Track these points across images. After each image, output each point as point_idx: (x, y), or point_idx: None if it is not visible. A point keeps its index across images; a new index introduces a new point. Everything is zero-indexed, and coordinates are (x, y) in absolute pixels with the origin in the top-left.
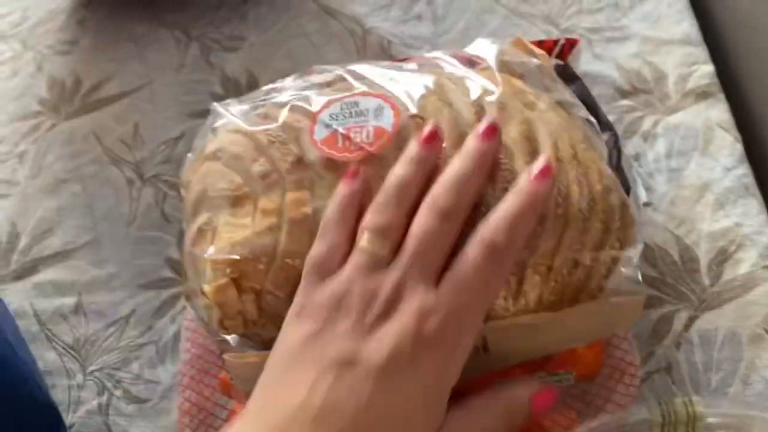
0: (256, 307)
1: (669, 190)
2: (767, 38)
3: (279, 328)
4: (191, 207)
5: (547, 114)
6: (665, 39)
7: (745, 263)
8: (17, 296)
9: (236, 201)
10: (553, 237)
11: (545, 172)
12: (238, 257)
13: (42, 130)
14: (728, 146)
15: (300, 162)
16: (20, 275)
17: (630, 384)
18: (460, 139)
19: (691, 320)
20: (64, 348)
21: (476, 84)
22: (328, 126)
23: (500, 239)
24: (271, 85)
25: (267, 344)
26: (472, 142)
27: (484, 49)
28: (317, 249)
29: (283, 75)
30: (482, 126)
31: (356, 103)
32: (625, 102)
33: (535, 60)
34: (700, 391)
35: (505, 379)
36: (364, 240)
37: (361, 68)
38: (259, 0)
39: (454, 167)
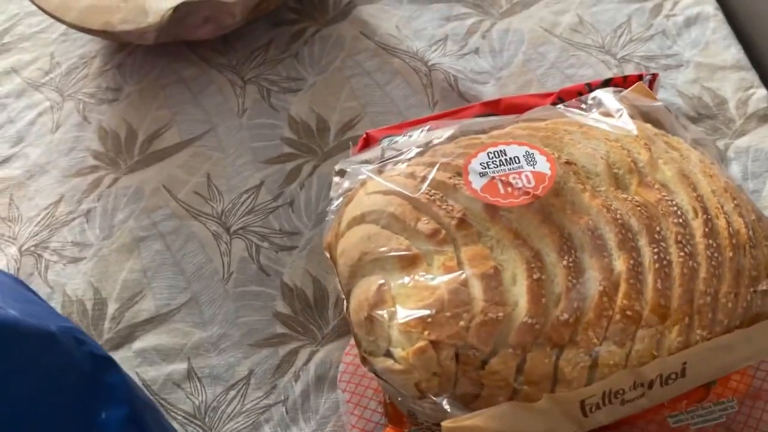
0: (454, 365)
1: None
2: None
3: (475, 384)
4: (348, 270)
5: (690, 152)
6: (718, 65)
7: None
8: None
9: (408, 261)
10: (734, 266)
11: None
12: (433, 318)
13: (104, 185)
14: None
15: (464, 218)
16: (118, 344)
17: None
18: (616, 181)
19: None
20: (185, 417)
21: (613, 129)
22: (483, 174)
23: None
24: (387, 140)
25: (460, 401)
26: None
27: (605, 97)
28: None
29: (353, 116)
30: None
31: (504, 152)
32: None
33: (658, 102)
34: None
35: (677, 410)
36: None
37: (486, 121)
38: (309, 38)
39: None
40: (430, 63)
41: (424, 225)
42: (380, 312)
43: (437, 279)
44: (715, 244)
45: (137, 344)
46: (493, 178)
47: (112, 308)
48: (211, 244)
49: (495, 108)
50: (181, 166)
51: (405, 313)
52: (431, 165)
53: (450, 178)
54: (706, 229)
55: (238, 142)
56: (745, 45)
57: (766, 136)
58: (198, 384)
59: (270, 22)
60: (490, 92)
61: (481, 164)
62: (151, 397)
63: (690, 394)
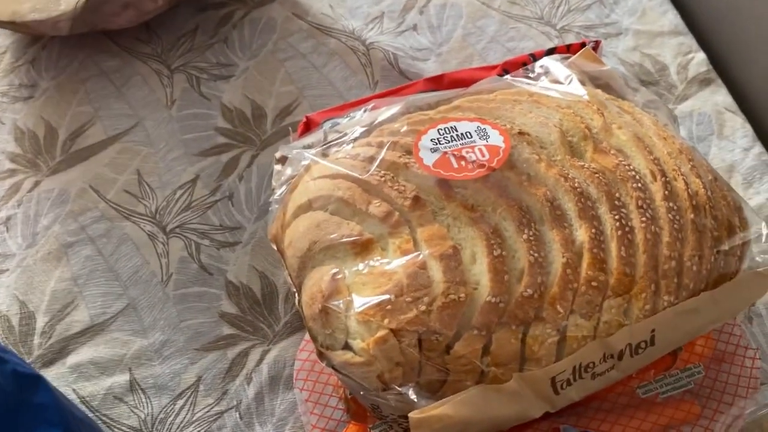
0: (417, 352)
1: None
2: (748, 22)
3: (437, 368)
4: (299, 261)
5: (642, 115)
6: (656, 31)
7: None
8: (54, 384)
9: (361, 247)
10: (697, 228)
11: None
12: (393, 304)
13: (24, 190)
14: (740, 128)
15: (418, 198)
16: (50, 360)
17: (752, 366)
18: (571, 149)
19: None
20: None
21: (564, 96)
22: (434, 150)
23: None
24: (328, 123)
25: (426, 389)
26: None
27: (552, 65)
28: None
29: (291, 101)
30: None
31: (455, 128)
32: None
33: (607, 67)
34: None
35: (645, 380)
36: None
37: (431, 96)
38: (238, 21)
39: None
40: (367, 42)
41: (376, 208)
42: (335, 303)
43: (393, 263)
44: (675, 207)
45: (72, 359)
46: (446, 153)
47: (41, 322)
48: (147, 245)
49: (438, 84)
50: (109, 164)
51: (362, 302)
52: (379, 145)
53: (400, 156)
54: (666, 192)
55: (168, 135)
56: (681, 10)
57: (708, 100)
58: (142, 396)
59: (195, 7)
60: (431, 69)
61: (432, 140)
62: (90, 414)
63: (657, 363)
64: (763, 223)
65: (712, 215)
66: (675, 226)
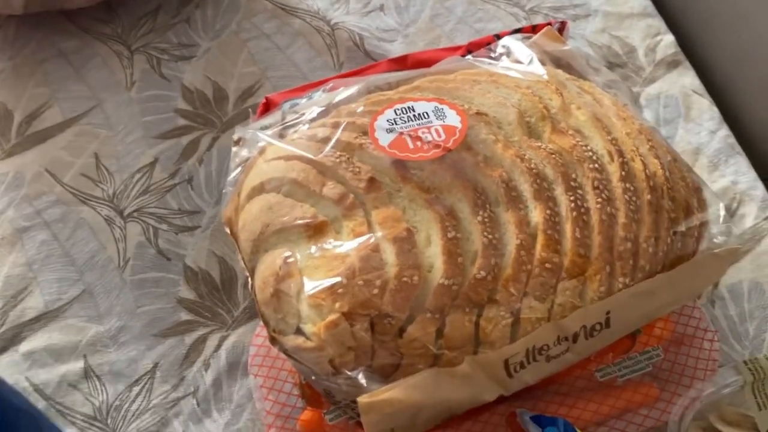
0: (370, 336)
1: None
2: (716, 3)
3: (394, 354)
4: (251, 244)
5: (602, 96)
6: (626, 13)
7: (748, 217)
8: (7, 372)
9: (315, 230)
10: (653, 209)
11: None
12: (345, 287)
13: None
14: (707, 110)
15: (373, 179)
16: (2, 347)
17: (711, 348)
18: (529, 129)
19: None
20: (85, 420)
21: (524, 76)
22: (390, 131)
23: None
24: (288, 104)
25: (379, 374)
26: None
27: (514, 44)
28: None
29: (253, 82)
30: None
31: (411, 108)
32: None
33: (569, 47)
34: (743, 342)
35: (603, 363)
36: None
37: (392, 76)
38: (201, 1)
39: None
40: (332, 22)
41: (330, 190)
42: (287, 286)
43: (346, 246)
44: (632, 188)
45: (25, 346)
46: (401, 133)
47: None
48: (104, 230)
49: (402, 65)
50: (66, 147)
51: (313, 285)
52: (335, 125)
53: (356, 137)
54: (623, 173)
55: (128, 118)
56: None
57: (676, 82)
58: (97, 383)
59: None
60: (397, 50)
61: (388, 121)
62: (43, 403)
63: (616, 346)
64: (722, 204)
65: (669, 196)
66: (631, 207)
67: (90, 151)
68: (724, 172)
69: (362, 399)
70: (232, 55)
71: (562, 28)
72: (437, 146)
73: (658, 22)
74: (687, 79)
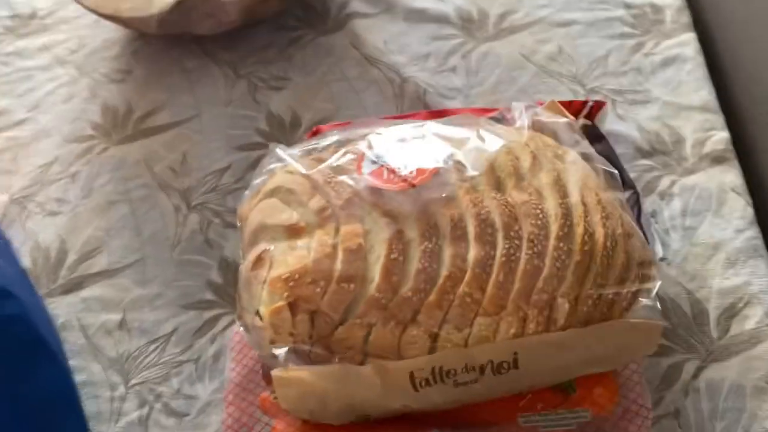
0: (309, 327)
1: (683, 247)
2: None
3: (327, 349)
4: (249, 237)
5: (574, 165)
6: (685, 105)
7: (751, 320)
8: (65, 310)
9: (294, 232)
10: (581, 270)
11: None
12: (296, 281)
13: (94, 153)
14: (740, 209)
15: (351, 199)
16: (68, 290)
17: (642, 426)
18: (497, 184)
19: (699, 370)
20: (108, 361)
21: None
22: (375, 162)
23: None
24: (316, 138)
25: (313, 363)
26: None
27: (519, 110)
28: None
29: (325, 115)
30: None
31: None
32: (644, 162)
33: (564, 119)
34: None
35: (530, 411)
36: None
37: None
38: (305, 44)
39: None
40: (404, 75)
41: (315, 202)
42: (258, 274)
43: (310, 248)
44: (566, 248)
45: (84, 293)
46: (383, 166)
47: (71, 259)
48: (171, 214)
49: (437, 117)
50: (163, 144)
51: (273, 274)
52: (335, 151)
53: (348, 163)
54: (561, 233)
55: (217, 128)
56: (719, 87)
57: (715, 177)
58: (127, 335)
59: (273, 26)
60: (454, 107)
61: (376, 155)
62: (84, 340)
63: (548, 399)
64: (659, 282)
65: (603, 263)
66: (557, 264)
67: (180, 150)
68: (739, 272)
69: (276, 372)
70: (315, 91)
71: (596, 106)
72: (404, 181)
73: (717, 118)
74: (729, 176)
